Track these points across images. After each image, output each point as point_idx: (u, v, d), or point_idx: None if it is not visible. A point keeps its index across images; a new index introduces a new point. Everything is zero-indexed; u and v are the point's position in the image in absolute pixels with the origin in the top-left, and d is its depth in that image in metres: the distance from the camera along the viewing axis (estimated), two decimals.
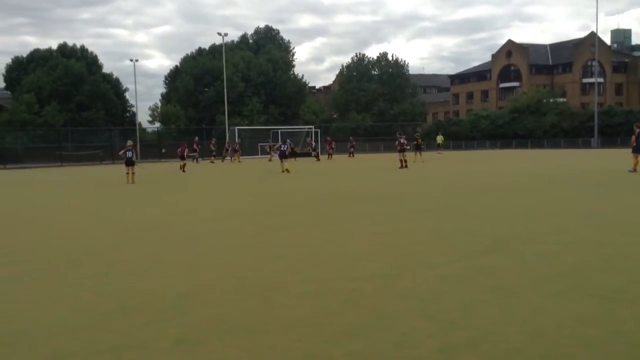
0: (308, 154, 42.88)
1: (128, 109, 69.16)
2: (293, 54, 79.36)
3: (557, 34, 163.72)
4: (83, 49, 67.26)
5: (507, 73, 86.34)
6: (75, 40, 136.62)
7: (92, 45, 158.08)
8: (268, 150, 42.86)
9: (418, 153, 32.58)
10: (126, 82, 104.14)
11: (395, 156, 28.44)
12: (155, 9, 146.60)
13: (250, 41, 78.01)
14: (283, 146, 27.97)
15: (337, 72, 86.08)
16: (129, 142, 22.23)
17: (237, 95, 63.29)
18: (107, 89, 63.36)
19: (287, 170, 25.22)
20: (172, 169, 31.54)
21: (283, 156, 26.74)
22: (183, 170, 28.87)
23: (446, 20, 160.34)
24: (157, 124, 66.56)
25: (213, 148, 42.53)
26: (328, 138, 46.37)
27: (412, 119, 71.64)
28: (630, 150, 20.19)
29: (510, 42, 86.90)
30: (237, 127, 48.13)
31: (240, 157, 41.59)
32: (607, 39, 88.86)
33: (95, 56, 67.80)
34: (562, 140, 62.53)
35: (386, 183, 18.66)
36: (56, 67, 60.86)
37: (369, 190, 16.17)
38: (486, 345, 3.89)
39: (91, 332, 4.37)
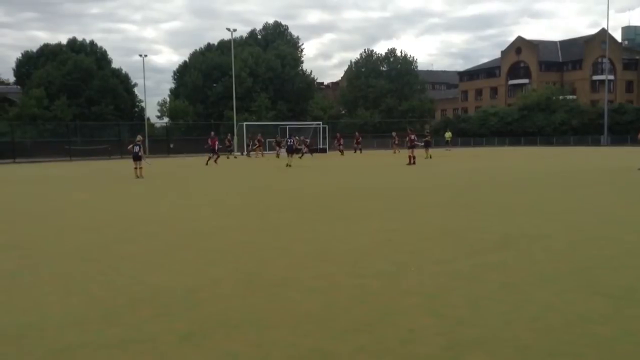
0: (315, 150, 43.13)
1: (137, 104, 69.43)
2: (302, 50, 79.39)
3: (567, 31, 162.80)
4: (92, 44, 67.54)
5: (517, 70, 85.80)
6: (84, 35, 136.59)
7: (102, 40, 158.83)
8: (275, 145, 42.42)
9: (427, 150, 32.58)
10: (135, 78, 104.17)
11: (403, 152, 28.40)
12: (164, 4, 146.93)
13: (259, 37, 78.03)
14: (290, 141, 28.95)
15: (345, 68, 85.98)
16: (139, 137, 22.32)
17: (245, 91, 63.36)
18: (116, 84, 63.61)
19: (288, 165, 26.80)
20: (183, 164, 31.63)
21: (290, 151, 28.14)
22: (215, 162, 30.68)
23: (455, 17, 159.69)
24: (166, 119, 66.77)
25: (229, 144, 42.32)
26: (338, 135, 46.64)
27: (420, 115, 71.41)
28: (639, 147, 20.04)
29: (519, 38, 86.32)
30: (245, 123, 48.14)
31: (263, 152, 41.29)
32: (617, 36, 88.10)
33: (105, 51, 68.11)
34: (572, 137, 62.14)
35: (394, 179, 18.63)
36: (66, 62, 61.15)
37: (377, 186, 16.15)
38: (494, 342, 3.88)
39: (100, 325, 4.40)
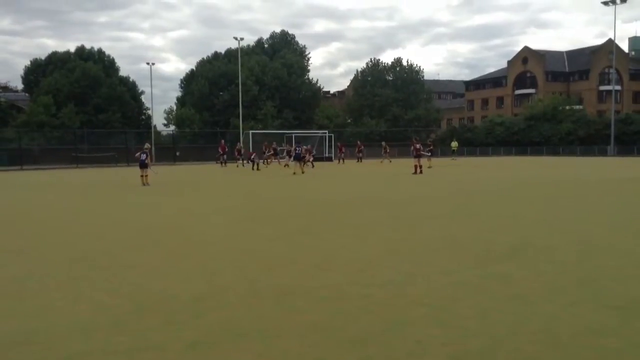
0: (321, 159, 43.29)
1: (144, 111, 69.65)
2: (308, 59, 79.61)
3: (574, 41, 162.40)
4: (100, 52, 67.94)
5: (523, 80, 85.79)
6: (92, 43, 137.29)
7: (109, 48, 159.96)
8: (285, 154, 40.62)
9: (429, 159, 32.69)
10: (142, 85, 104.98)
11: (409, 161, 28.40)
12: (172, 13, 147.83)
13: (266, 46, 78.33)
14: (298, 148, 29.19)
15: (351, 77, 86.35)
16: (146, 145, 22.43)
17: (251, 99, 63.57)
18: (123, 92, 63.90)
19: (295, 173, 27.27)
20: (189, 171, 31.70)
21: (298, 158, 28.32)
22: (258, 169, 33.24)
23: (462, 26, 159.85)
24: (172, 127, 66.98)
25: (238, 154, 41.94)
26: (338, 144, 46.96)
27: (426, 124, 71.40)
28: None
29: (526, 48, 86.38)
30: (251, 131, 48.26)
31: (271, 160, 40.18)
32: (624, 47, 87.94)
33: (113, 59, 68.49)
34: (578, 148, 61.93)
35: (400, 189, 18.61)
36: (74, 70, 61.52)
37: (383, 195, 16.14)
38: (501, 353, 3.87)
39: (107, 333, 4.42)
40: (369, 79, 75.32)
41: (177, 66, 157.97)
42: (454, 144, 52.65)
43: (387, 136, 66.96)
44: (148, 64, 59.53)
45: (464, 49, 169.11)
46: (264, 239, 8.73)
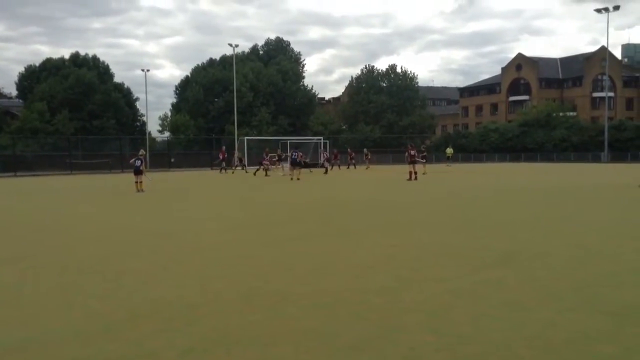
0: (315, 164, 43.32)
1: (138, 118, 69.59)
2: (303, 65, 79.76)
3: (567, 48, 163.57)
4: (95, 58, 67.90)
5: (517, 86, 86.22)
6: (87, 49, 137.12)
7: (104, 54, 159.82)
8: (274, 161, 38.12)
9: (424, 166, 32.71)
10: (137, 92, 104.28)
11: (400, 168, 28.43)
12: (167, 19, 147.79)
13: (261, 52, 78.47)
14: (294, 154, 29.16)
15: (346, 83, 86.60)
16: (141, 152, 22.39)
17: (246, 106, 63.59)
18: (118, 98, 63.83)
19: (292, 178, 27.71)
20: (184, 178, 31.61)
21: (294, 164, 28.23)
22: (267, 175, 33.46)
23: (456, 33, 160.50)
24: (167, 134, 66.89)
25: (238, 161, 41.73)
26: (334, 151, 47.23)
27: (421, 131, 71.60)
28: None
29: (520, 55, 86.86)
30: (246, 138, 48.25)
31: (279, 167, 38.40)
32: (617, 54, 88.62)
33: (107, 66, 68.45)
34: (572, 154, 62.21)
35: (394, 195, 18.63)
36: (68, 76, 61.44)
37: (377, 201, 16.15)
38: (495, 359, 3.87)
39: (101, 340, 4.40)
40: (364, 85, 75.62)
41: (171, 72, 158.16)
42: (449, 151, 52.75)
43: (382, 142, 67.22)
44: (143, 70, 59.75)
45: (458, 55, 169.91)
46: (259, 245, 8.72)
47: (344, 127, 75.96)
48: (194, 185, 26.65)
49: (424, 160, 32.97)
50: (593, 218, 11.86)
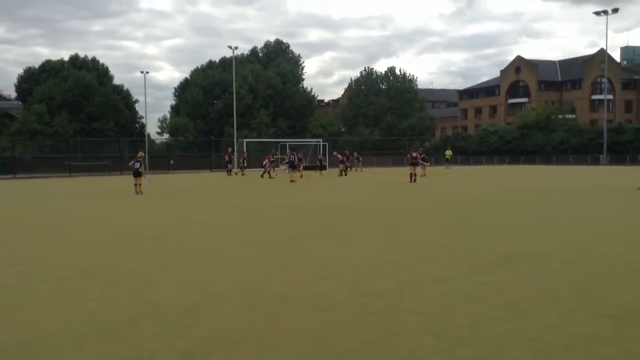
0: (315, 167, 43.09)
1: (137, 120, 69.63)
2: (302, 68, 79.83)
3: (566, 51, 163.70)
4: (94, 60, 67.95)
5: (516, 89, 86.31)
6: (86, 51, 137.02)
7: (103, 56, 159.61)
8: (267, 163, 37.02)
9: (423, 168, 32.69)
10: (136, 94, 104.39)
11: (400, 170, 28.45)
12: (166, 22, 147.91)
13: (260, 54, 78.52)
14: (292, 156, 29.30)
15: (345, 86, 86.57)
16: (140, 154, 22.39)
17: (245, 108, 63.60)
18: (117, 100, 63.85)
19: (292, 180, 27.80)
20: (183, 180, 31.60)
21: (292, 166, 28.33)
22: (270, 177, 33.74)
23: (455, 36, 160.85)
24: (166, 136, 66.91)
25: (243, 162, 41.60)
26: (335, 153, 46.84)
27: (420, 133, 71.61)
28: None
29: (519, 58, 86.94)
30: (245, 140, 48.25)
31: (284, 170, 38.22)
32: (616, 56, 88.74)
33: (106, 68, 68.50)
34: (571, 156, 62.26)
35: (394, 197, 18.63)
36: (67, 78, 61.46)
37: (377, 203, 16.14)
38: None
39: (100, 342, 4.39)
40: (363, 87, 75.65)
41: (171, 75, 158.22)
42: (448, 153, 52.76)
43: (381, 145, 67.24)
44: (142, 72, 59.41)
45: (458, 58, 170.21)
46: (259, 248, 8.71)
47: (343, 129, 75.98)
48: (193, 187, 26.62)
49: (427, 163, 32.98)
50: (593, 221, 11.87)
